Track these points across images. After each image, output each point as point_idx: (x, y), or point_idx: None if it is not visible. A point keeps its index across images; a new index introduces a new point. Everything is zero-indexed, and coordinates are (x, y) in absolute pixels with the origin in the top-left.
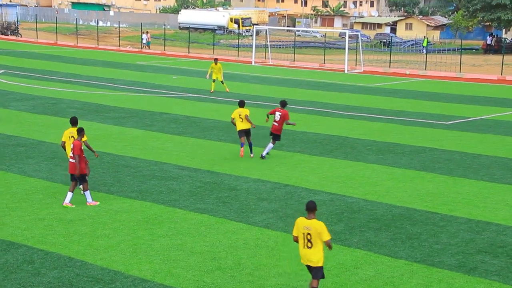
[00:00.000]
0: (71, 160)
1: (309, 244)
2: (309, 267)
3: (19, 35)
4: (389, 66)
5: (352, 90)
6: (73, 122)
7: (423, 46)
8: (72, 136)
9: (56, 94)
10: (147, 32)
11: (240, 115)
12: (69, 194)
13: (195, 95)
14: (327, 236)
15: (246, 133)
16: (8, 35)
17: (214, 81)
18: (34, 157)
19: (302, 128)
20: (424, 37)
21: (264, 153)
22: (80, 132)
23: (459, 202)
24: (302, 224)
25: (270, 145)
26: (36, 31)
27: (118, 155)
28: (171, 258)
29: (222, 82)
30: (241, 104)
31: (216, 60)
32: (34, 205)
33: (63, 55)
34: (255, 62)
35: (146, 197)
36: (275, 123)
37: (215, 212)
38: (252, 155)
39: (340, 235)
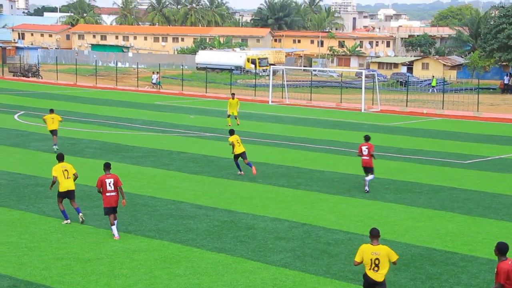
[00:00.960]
0: (112, 194)
1: (376, 268)
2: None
3: (40, 77)
4: (406, 105)
5: (369, 129)
6: (60, 158)
7: (432, 86)
8: (66, 170)
9: (75, 134)
10: (157, 72)
11: (237, 140)
12: (114, 228)
13: (212, 134)
14: (395, 256)
15: (242, 155)
16: (29, 77)
17: (229, 116)
18: (53, 197)
19: (319, 167)
20: (433, 76)
21: (367, 188)
22: (109, 167)
23: (479, 242)
24: (370, 250)
25: (370, 177)
26: (57, 72)
27: (136, 194)
28: None
29: (235, 117)
30: (232, 132)
31: (233, 95)
32: (52, 245)
33: (83, 96)
34: (272, 102)
35: (163, 236)
36: (365, 158)
37: (233, 251)
38: (254, 170)
39: (358, 275)
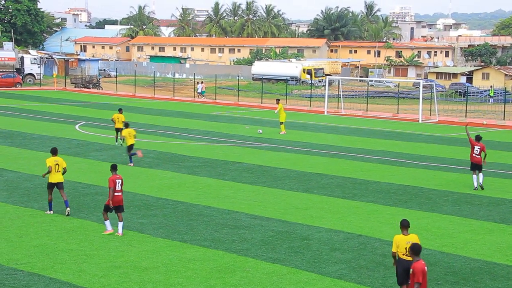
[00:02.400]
0: (120, 193)
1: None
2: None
3: (100, 88)
4: (465, 116)
5: (427, 140)
6: (54, 152)
7: (490, 96)
8: (57, 164)
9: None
10: (202, 82)
11: (130, 134)
12: (121, 224)
13: (268, 145)
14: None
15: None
16: (90, 88)
17: (282, 123)
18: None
19: (375, 178)
20: (491, 86)
21: (476, 184)
22: (116, 168)
23: None
24: (404, 240)
25: (481, 176)
26: (116, 83)
27: (191, 204)
28: None
29: (282, 122)
30: (126, 125)
31: (278, 100)
32: (110, 253)
33: (141, 106)
34: (327, 112)
35: (218, 245)
36: (477, 156)
37: (287, 262)
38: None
39: None
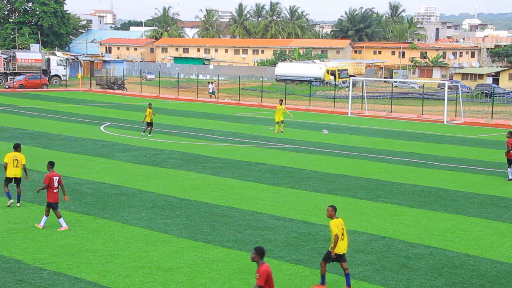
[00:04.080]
0: (56, 190)
1: (342, 237)
2: (339, 255)
3: (124, 89)
4: (492, 117)
5: (452, 141)
6: (16, 147)
7: None
8: (16, 159)
9: (157, 145)
10: (212, 83)
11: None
12: (62, 220)
13: (291, 146)
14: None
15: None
16: (114, 89)
17: (277, 123)
18: (136, 206)
19: (399, 180)
20: None
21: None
22: (53, 165)
23: None
24: (340, 222)
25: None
26: (141, 85)
27: (215, 205)
28: None
29: (282, 121)
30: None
31: (281, 101)
32: (135, 253)
33: (165, 107)
34: (351, 113)
35: (242, 246)
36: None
37: (310, 263)
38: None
39: None
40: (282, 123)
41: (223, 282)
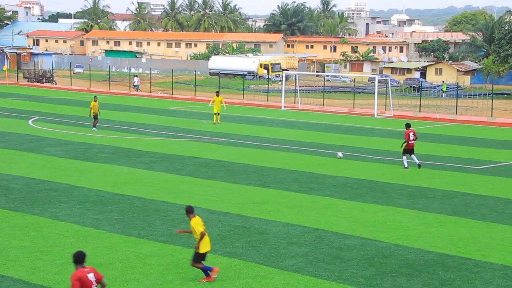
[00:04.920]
0: None
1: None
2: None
3: (54, 82)
4: (419, 111)
5: (382, 134)
6: None
7: (443, 91)
8: None
9: (88, 139)
10: (136, 76)
11: None
12: None
13: (225, 140)
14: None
15: None
16: (43, 83)
17: (216, 114)
18: (66, 202)
19: (331, 172)
20: (443, 82)
21: (418, 162)
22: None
23: (493, 248)
24: (200, 220)
25: (415, 157)
26: (70, 78)
27: (148, 199)
28: None
29: (218, 113)
30: None
31: (217, 93)
32: (65, 249)
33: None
34: (284, 107)
35: (175, 241)
36: (412, 142)
37: (245, 256)
38: None
39: (371, 281)
40: (219, 114)
41: (157, 276)
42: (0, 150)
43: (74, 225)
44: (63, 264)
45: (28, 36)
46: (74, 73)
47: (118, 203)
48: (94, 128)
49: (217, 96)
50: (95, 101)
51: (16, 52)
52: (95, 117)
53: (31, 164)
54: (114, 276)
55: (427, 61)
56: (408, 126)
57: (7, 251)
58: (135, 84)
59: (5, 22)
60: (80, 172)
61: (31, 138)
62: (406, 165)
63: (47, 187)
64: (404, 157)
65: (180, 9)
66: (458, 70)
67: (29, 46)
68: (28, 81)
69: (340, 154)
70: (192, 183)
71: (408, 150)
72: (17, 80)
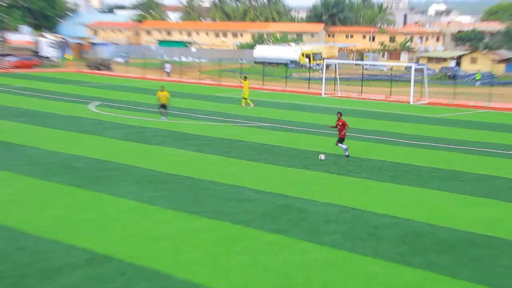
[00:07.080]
0: None
1: None
2: None
3: (111, 70)
4: (454, 98)
5: (417, 120)
6: None
7: (476, 80)
8: None
9: (144, 123)
10: (167, 62)
11: None
12: None
13: (269, 124)
14: None
15: None
16: (102, 70)
17: (245, 98)
18: (125, 180)
19: (368, 156)
20: (478, 71)
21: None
22: None
23: None
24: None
25: (344, 146)
26: (127, 66)
27: (198, 179)
28: (247, 274)
29: (246, 98)
30: None
31: (245, 77)
32: (125, 223)
33: (150, 88)
34: (324, 94)
35: (223, 217)
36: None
37: (287, 233)
38: None
39: (404, 257)
40: (246, 99)
41: (207, 249)
42: (67, 133)
43: (132, 201)
44: (123, 236)
45: (88, 27)
46: (116, 63)
47: (171, 182)
48: (162, 118)
49: (245, 80)
50: (161, 90)
51: (78, 42)
52: (162, 106)
53: (93, 146)
54: (168, 247)
55: (463, 51)
56: (340, 114)
57: (74, 222)
58: (167, 70)
59: (67, 13)
60: (137, 154)
61: (93, 122)
62: (346, 153)
63: (108, 166)
64: (342, 146)
65: (228, 0)
66: (492, 59)
67: (89, 36)
68: (89, 69)
69: (322, 156)
70: (238, 165)
71: (340, 139)
72: (79, 68)
